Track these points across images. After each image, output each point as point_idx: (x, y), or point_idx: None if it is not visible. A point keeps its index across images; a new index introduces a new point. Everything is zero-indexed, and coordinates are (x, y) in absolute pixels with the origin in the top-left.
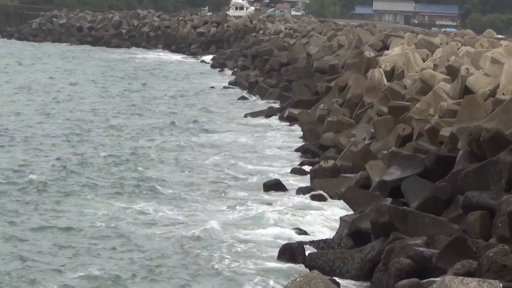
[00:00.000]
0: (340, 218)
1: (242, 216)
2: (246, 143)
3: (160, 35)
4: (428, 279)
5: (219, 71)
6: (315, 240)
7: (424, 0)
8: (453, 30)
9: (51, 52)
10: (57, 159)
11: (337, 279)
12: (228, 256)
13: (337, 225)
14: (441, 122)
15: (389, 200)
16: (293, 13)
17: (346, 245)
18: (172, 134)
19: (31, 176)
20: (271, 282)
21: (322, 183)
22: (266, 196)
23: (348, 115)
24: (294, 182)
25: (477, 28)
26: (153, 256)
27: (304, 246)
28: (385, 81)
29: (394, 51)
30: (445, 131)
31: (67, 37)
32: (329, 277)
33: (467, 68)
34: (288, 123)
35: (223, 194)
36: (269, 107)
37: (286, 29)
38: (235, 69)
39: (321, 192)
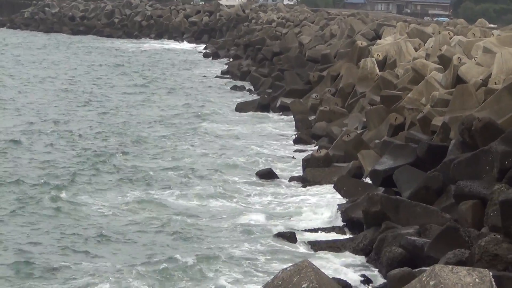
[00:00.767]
0: (332, 207)
1: (233, 203)
2: (237, 132)
3: (152, 24)
4: (420, 268)
5: (211, 60)
6: (307, 229)
7: None
8: (445, 19)
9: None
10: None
11: None
12: (223, 242)
13: (329, 213)
14: (433, 112)
15: (381, 190)
16: (286, 2)
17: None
18: (162, 125)
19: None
20: (263, 269)
21: (314, 172)
22: (258, 185)
23: (340, 105)
24: (287, 171)
25: (470, 17)
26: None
27: (296, 235)
28: (377, 70)
29: (386, 41)
30: (437, 121)
31: (59, 26)
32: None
33: (459, 58)
34: (280, 113)
35: (215, 183)
36: (261, 96)
37: (278, 18)
38: (229, 59)
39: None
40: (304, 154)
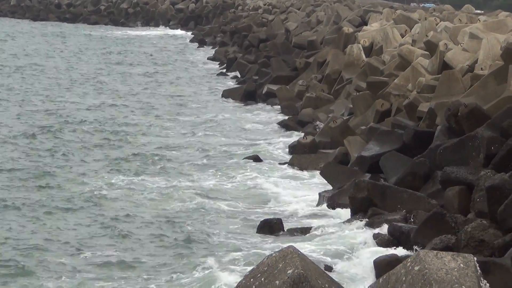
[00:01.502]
0: (319, 193)
1: (217, 188)
2: (225, 118)
3: (138, 11)
4: (406, 253)
5: (198, 47)
6: (293, 215)
7: None
8: (432, 5)
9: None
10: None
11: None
12: (208, 227)
13: (315, 200)
14: (419, 98)
15: (367, 176)
16: None
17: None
18: (150, 113)
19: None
20: (248, 255)
21: (300, 158)
22: (244, 170)
23: (327, 91)
24: (273, 157)
25: (456, 3)
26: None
27: (282, 221)
28: (364, 56)
29: (373, 27)
30: (424, 107)
31: (45, 14)
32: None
33: (445, 44)
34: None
35: (205, 168)
36: (247, 83)
37: (264, 5)
38: (214, 46)
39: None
40: (291, 140)
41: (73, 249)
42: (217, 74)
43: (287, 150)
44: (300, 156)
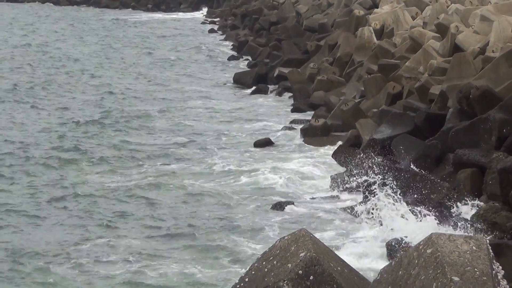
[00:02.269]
0: (331, 176)
1: (230, 174)
2: (235, 104)
3: None
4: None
5: (209, 30)
6: (305, 198)
7: None
8: None
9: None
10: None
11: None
12: (220, 210)
13: (327, 182)
14: (431, 80)
15: (379, 158)
16: None
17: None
18: (164, 98)
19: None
20: (260, 238)
21: (312, 141)
22: (257, 154)
23: (338, 74)
24: (285, 141)
25: None
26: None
27: (294, 204)
28: (375, 39)
29: (384, 9)
30: (435, 89)
31: None
32: None
33: (456, 26)
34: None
35: (213, 152)
36: (259, 66)
37: None
38: (226, 28)
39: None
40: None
41: (92, 235)
42: (228, 58)
43: (299, 133)
44: (312, 139)
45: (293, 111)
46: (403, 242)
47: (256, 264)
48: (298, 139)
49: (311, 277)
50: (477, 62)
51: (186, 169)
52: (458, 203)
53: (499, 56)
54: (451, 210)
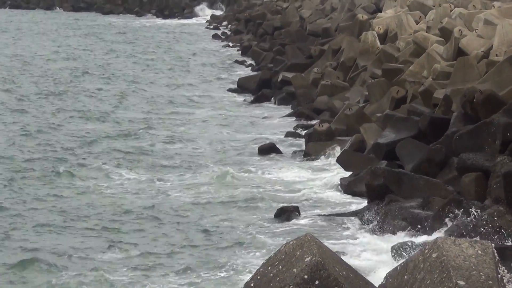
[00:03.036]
0: (335, 181)
1: (235, 178)
2: (239, 109)
3: (153, 0)
4: (423, 240)
5: (212, 35)
6: (310, 203)
7: None
8: None
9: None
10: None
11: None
12: (225, 215)
13: (331, 187)
14: (434, 84)
15: (383, 163)
16: None
17: None
18: (165, 104)
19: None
20: (265, 243)
21: (316, 146)
22: (261, 160)
23: (342, 78)
24: (289, 146)
25: None
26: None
27: (299, 208)
28: (379, 43)
29: (387, 14)
30: (439, 93)
31: (60, 2)
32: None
33: (460, 30)
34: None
35: (217, 155)
36: (263, 71)
37: None
38: (229, 34)
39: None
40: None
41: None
42: (233, 62)
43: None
44: (316, 144)
45: (296, 116)
46: (409, 246)
47: (261, 269)
48: (302, 144)
49: (317, 282)
50: (481, 66)
51: (187, 177)
52: (462, 208)
53: (503, 60)
54: (456, 214)
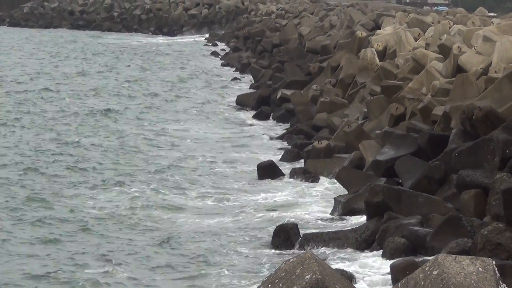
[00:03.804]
0: (334, 198)
1: (234, 195)
2: (237, 127)
3: (151, 17)
4: (423, 258)
5: (211, 53)
6: (309, 220)
7: None
8: (445, 8)
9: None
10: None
11: None
12: (224, 234)
13: (330, 205)
14: (433, 101)
15: (383, 180)
16: None
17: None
18: (162, 121)
19: None
20: (265, 261)
21: (315, 163)
22: (259, 178)
23: (341, 95)
24: (288, 163)
25: (469, 6)
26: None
27: (298, 226)
28: (377, 60)
29: (386, 31)
30: (438, 110)
31: (58, 21)
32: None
33: (459, 47)
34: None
35: (216, 173)
36: (262, 88)
37: (277, 10)
38: (227, 51)
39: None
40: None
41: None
42: (231, 79)
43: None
44: (315, 161)
45: (296, 133)
46: (409, 263)
47: (261, 287)
48: (301, 161)
49: None
50: (480, 83)
51: (183, 196)
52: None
53: (502, 76)
54: (455, 231)
